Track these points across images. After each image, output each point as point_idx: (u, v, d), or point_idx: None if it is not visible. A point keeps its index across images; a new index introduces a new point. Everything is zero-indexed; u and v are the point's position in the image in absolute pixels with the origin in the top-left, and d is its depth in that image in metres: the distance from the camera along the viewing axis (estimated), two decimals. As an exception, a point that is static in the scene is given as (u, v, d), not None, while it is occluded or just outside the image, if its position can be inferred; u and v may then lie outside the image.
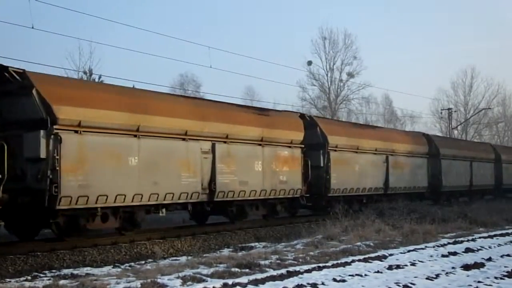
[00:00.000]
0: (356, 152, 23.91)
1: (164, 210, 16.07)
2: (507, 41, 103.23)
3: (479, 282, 9.63)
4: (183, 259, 13.16)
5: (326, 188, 21.95)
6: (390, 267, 10.91)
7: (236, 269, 10.53)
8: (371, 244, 14.44)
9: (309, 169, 20.73)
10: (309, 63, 59.66)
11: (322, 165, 21.74)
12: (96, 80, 33.57)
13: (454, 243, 15.10)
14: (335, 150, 22.58)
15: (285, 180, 19.73)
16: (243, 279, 9.39)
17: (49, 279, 10.44)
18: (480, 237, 16.64)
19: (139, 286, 8.80)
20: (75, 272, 11.46)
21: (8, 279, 10.67)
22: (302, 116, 22.59)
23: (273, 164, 19.32)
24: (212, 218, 19.49)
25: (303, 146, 20.71)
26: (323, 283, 9.23)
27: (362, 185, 24.06)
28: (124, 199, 14.24)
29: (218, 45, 78.88)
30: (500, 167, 38.63)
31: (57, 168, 12.74)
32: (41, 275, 11.38)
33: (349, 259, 11.94)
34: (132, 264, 12.84)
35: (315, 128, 22.11)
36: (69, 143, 13.05)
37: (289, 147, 20.21)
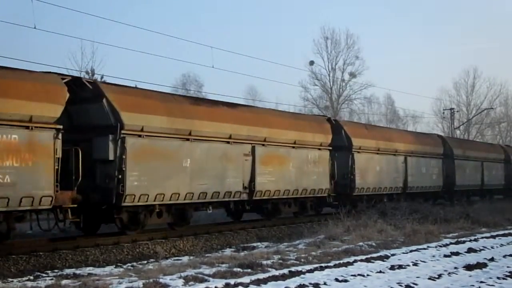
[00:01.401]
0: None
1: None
2: (507, 41, 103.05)
3: (481, 282, 9.62)
4: (185, 259, 13.18)
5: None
6: (392, 267, 10.91)
7: (238, 269, 10.53)
8: (373, 244, 14.43)
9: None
10: (311, 63, 59.65)
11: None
12: (98, 79, 33.55)
13: (457, 243, 15.09)
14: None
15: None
16: (245, 279, 9.39)
17: (51, 279, 10.45)
18: (482, 237, 16.62)
19: (141, 286, 8.81)
20: (77, 272, 11.48)
21: (10, 279, 10.70)
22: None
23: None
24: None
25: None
26: (325, 283, 9.23)
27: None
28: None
29: (220, 45, 79.01)
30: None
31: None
32: (43, 275, 11.40)
33: (351, 259, 11.93)
34: (134, 264, 12.85)
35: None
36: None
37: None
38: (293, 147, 20.36)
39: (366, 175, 24.05)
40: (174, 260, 13.10)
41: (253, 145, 18.46)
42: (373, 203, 23.37)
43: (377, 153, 25.13)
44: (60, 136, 12.81)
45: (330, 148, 22.13)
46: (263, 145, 18.96)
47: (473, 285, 9.36)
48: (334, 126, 23.17)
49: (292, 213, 21.52)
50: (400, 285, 9.21)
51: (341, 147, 22.97)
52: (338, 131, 23.29)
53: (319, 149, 21.59)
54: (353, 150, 23.48)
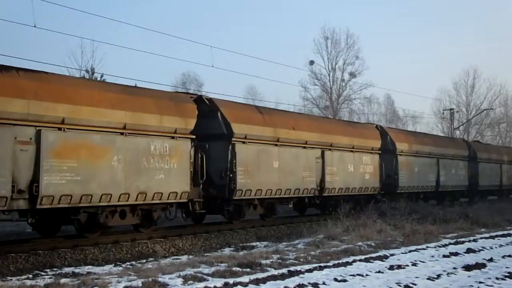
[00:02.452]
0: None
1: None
2: (507, 42, 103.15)
3: (480, 282, 9.63)
4: (184, 258, 13.17)
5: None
6: (391, 267, 10.91)
7: (237, 269, 10.53)
8: (373, 244, 14.43)
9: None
10: (311, 62, 59.71)
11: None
12: (98, 78, 33.57)
13: (456, 243, 15.09)
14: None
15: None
16: (244, 279, 9.39)
17: (50, 278, 10.44)
18: (481, 238, 16.62)
19: (140, 285, 8.81)
20: (76, 270, 11.47)
21: (9, 278, 10.69)
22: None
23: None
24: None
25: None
26: (324, 283, 9.23)
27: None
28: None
29: (220, 45, 79.07)
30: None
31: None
32: (43, 273, 11.39)
33: (350, 259, 11.93)
34: (133, 263, 12.84)
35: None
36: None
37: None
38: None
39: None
40: (173, 259, 13.10)
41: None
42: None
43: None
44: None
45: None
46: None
47: (472, 286, 9.36)
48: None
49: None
50: (399, 285, 9.21)
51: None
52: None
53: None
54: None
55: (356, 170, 23.74)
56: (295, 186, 20.21)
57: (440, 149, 31.12)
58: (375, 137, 25.83)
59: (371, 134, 25.81)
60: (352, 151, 23.78)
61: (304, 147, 21.01)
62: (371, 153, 25.14)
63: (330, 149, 22.39)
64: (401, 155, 26.98)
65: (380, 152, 25.68)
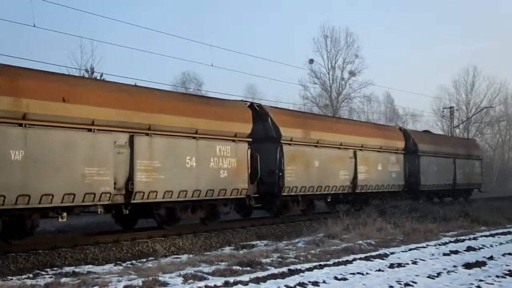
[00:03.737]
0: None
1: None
2: (507, 41, 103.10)
3: (480, 280, 9.63)
4: (184, 257, 13.17)
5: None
6: (391, 266, 10.92)
7: (238, 267, 10.53)
8: (373, 242, 14.43)
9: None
10: (311, 61, 59.74)
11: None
12: (98, 78, 33.55)
13: (456, 241, 15.10)
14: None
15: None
16: (245, 277, 9.39)
17: (50, 277, 10.44)
18: (481, 236, 16.63)
19: (141, 284, 8.81)
20: (77, 270, 11.47)
21: (9, 277, 10.69)
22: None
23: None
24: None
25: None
26: (324, 282, 9.23)
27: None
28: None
29: (220, 44, 79.02)
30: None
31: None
32: (43, 272, 11.39)
33: (351, 257, 11.94)
34: (134, 262, 12.84)
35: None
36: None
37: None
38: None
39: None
40: (173, 258, 13.10)
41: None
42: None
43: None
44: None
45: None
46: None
47: (472, 284, 9.36)
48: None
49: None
50: (399, 284, 9.21)
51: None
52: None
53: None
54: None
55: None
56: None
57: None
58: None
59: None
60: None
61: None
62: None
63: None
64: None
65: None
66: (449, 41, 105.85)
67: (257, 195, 19.37)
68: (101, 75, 34.29)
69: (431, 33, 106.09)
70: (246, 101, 21.15)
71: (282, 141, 20.40)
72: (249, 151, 18.71)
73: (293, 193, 20.67)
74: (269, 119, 20.45)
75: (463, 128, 69.64)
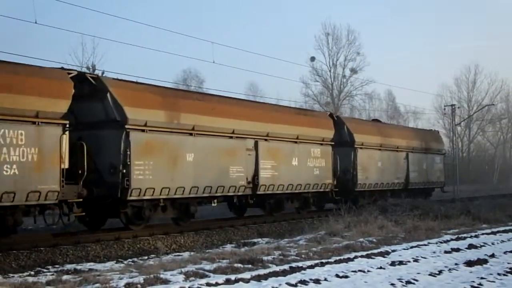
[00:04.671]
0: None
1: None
2: (507, 39, 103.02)
3: (482, 278, 9.61)
4: (186, 254, 13.18)
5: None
6: (393, 263, 10.91)
7: (239, 265, 10.52)
8: (374, 240, 14.43)
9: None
10: (312, 59, 59.70)
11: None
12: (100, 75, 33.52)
13: (457, 239, 15.08)
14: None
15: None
16: (246, 275, 9.39)
17: (52, 274, 10.46)
18: (483, 234, 16.60)
19: (142, 281, 8.81)
20: (78, 267, 11.50)
21: (11, 274, 10.71)
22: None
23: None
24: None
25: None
26: (325, 279, 9.23)
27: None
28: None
29: (221, 41, 78.99)
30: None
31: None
32: (44, 270, 11.42)
33: (352, 255, 11.93)
34: (135, 259, 12.87)
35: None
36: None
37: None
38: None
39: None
40: (174, 255, 13.10)
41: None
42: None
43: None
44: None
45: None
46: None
47: (473, 281, 9.35)
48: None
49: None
50: (401, 281, 9.20)
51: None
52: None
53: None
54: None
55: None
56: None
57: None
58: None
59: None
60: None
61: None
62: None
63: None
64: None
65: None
66: (449, 39, 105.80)
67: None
68: (103, 73, 34.26)
69: (432, 31, 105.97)
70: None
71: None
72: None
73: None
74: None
75: (464, 126, 69.58)
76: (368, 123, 31.20)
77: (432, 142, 33.17)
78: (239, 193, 18.45)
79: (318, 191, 22.35)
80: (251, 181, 18.90)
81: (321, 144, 22.56)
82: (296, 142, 21.18)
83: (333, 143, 23.20)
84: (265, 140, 19.64)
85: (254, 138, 19.23)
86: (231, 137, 18.22)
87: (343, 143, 24.47)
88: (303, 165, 21.27)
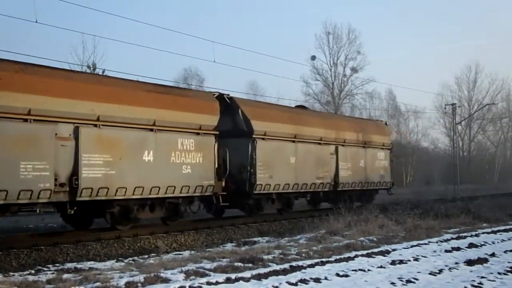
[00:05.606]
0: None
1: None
2: (507, 38, 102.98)
3: (482, 277, 9.62)
4: (186, 253, 13.19)
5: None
6: (393, 262, 10.91)
7: (239, 264, 10.53)
8: (374, 239, 14.43)
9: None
10: (313, 58, 59.72)
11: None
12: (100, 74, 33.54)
13: (458, 238, 15.08)
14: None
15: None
16: (246, 274, 9.39)
17: (52, 273, 10.47)
18: (483, 233, 16.60)
19: (142, 280, 8.81)
20: (79, 266, 11.50)
21: (11, 273, 10.70)
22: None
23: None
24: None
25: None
26: (326, 278, 9.23)
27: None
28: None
29: (222, 40, 78.90)
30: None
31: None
32: (45, 269, 11.42)
33: (352, 254, 11.93)
34: (136, 258, 12.88)
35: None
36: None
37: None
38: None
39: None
40: (175, 254, 13.11)
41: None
42: None
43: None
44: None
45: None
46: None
47: (474, 280, 9.35)
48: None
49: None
50: (401, 280, 9.20)
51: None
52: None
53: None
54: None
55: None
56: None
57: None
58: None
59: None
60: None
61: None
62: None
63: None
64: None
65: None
66: (449, 38, 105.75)
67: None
68: (103, 71, 34.30)
69: (432, 30, 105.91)
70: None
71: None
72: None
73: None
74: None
75: (465, 125, 69.58)
76: (276, 107, 23.44)
77: (374, 135, 26.65)
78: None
79: (192, 196, 16.51)
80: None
81: (197, 134, 16.63)
82: (152, 130, 15.22)
83: (217, 132, 17.34)
84: (94, 126, 13.74)
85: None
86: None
87: (238, 132, 19.03)
88: (163, 162, 15.29)
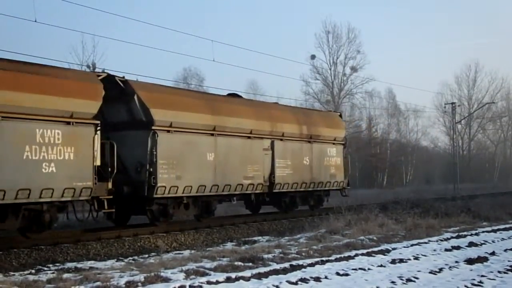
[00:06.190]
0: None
1: None
2: (507, 37, 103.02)
3: (482, 276, 9.62)
4: (186, 253, 13.19)
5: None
6: (393, 261, 10.92)
7: (239, 263, 10.55)
8: (374, 238, 14.44)
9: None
10: (313, 57, 59.60)
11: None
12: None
13: (458, 237, 15.09)
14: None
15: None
16: (246, 273, 9.40)
17: (53, 273, 10.48)
18: (483, 231, 16.62)
19: (142, 279, 8.82)
20: (79, 265, 11.51)
21: (12, 273, 10.71)
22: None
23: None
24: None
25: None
26: (326, 277, 9.24)
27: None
28: None
29: (221, 39, 78.86)
30: None
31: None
32: (45, 268, 11.43)
33: (352, 253, 11.94)
34: (136, 257, 12.88)
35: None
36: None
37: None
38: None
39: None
40: (175, 254, 13.12)
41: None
42: None
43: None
44: None
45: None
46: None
47: (474, 279, 9.36)
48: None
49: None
50: (401, 279, 9.21)
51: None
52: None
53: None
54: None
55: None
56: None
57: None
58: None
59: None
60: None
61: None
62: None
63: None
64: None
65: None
66: (449, 37, 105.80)
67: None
68: (103, 71, 34.28)
69: (432, 28, 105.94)
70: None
71: None
72: None
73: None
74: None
75: (465, 124, 69.58)
76: (187, 93, 19.02)
77: (323, 128, 22.96)
78: None
79: (60, 201, 13.17)
80: None
81: (68, 124, 12.92)
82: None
83: (97, 121, 13.78)
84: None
85: None
86: None
87: (134, 123, 15.60)
88: (15, 158, 11.85)
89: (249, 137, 18.81)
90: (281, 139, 20.36)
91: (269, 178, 19.60)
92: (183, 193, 16.14)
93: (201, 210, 17.61)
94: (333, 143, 23.41)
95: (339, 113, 26.72)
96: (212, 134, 17.26)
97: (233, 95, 21.26)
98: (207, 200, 17.63)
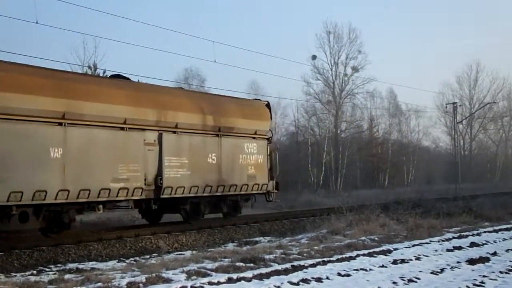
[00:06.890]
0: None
1: None
2: (508, 37, 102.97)
3: (484, 276, 9.61)
4: (187, 253, 13.19)
5: None
6: (395, 262, 10.91)
7: (241, 264, 10.54)
8: (376, 238, 14.42)
9: None
10: (314, 57, 59.47)
11: None
12: (101, 74, 33.55)
13: (459, 237, 15.07)
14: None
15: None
16: (248, 274, 9.39)
17: (54, 273, 10.49)
18: (485, 232, 16.60)
19: (144, 280, 8.82)
20: (80, 266, 11.52)
21: (13, 273, 10.73)
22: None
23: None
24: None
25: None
26: (327, 278, 9.23)
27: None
28: None
29: (222, 40, 78.84)
30: None
31: None
32: (47, 269, 11.44)
33: (354, 253, 11.93)
34: (137, 258, 12.89)
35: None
36: None
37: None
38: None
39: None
40: (176, 254, 13.12)
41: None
42: None
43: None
44: None
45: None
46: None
47: (475, 279, 9.35)
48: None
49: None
50: (403, 280, 9.20)
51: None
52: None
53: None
54: None
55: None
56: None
57: None
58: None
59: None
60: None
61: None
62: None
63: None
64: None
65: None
66: (450, 37, 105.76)
67: None
68: (104, 72, 34.31)
69: (432, 28, 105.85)
70: None
71: None
72: None
73: None
74: None
75: (466, 124, 69.51)
76: (17, 69, 13.18)
77: (239, 118, 18.82)
78: None
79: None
80: None
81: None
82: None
83: None
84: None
85: None
86: None
87: None
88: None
89: (122, 128, 14.85)
90: (174, 132, 16.32)
91: (154, 180, 15.69)
92: (8, 201, 12.23)
93: (49, 224, 13.87)
94: (253, 137, 19.21)
95: (265, 102, 21.04)
96: (61, 124, 13.42)
97: (120, 77, 16.90)
98: (57, 210, 13.74)
